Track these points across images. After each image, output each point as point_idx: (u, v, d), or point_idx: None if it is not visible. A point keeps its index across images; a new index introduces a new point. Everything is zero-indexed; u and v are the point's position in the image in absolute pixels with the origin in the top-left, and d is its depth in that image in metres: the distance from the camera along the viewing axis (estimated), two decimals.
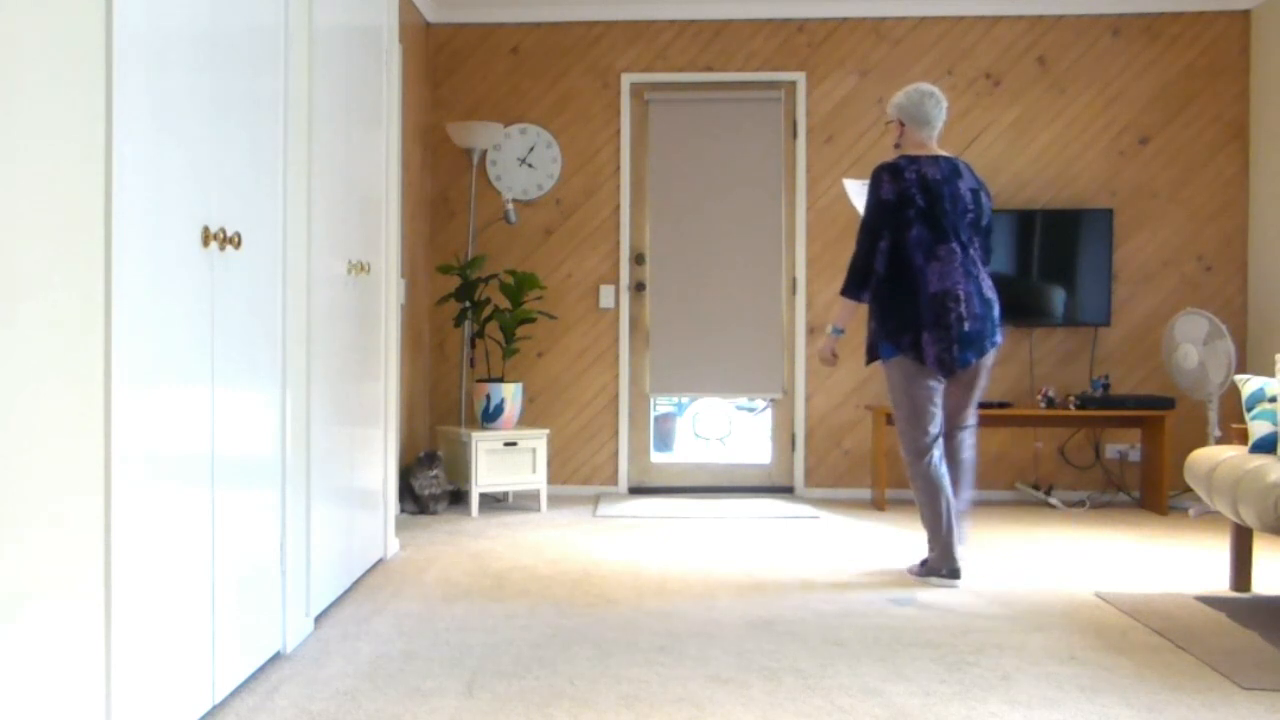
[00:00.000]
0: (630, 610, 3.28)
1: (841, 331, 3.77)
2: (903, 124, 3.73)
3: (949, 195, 3.61)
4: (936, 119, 3.70)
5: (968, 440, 3.80)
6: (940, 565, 3.63)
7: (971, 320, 3.58)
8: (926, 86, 3.72)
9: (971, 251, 3.64)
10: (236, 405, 2.44)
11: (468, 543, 4.33)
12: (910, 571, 3.77)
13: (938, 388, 3.66)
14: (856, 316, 5.51)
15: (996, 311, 3.66)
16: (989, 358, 3.67)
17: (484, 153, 5.69)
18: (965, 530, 3.78)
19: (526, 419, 5.70)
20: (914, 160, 3.65)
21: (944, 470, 3.67)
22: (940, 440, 3.69)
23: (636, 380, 5.72)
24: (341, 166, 3.35)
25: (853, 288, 3.68)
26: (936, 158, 3.67)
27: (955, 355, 3.58)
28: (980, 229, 3.69)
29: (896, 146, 3.78)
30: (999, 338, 3.67)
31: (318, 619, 3.15)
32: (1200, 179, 5.50)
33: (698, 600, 3.41)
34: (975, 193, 3.68)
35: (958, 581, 3.61)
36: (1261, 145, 5.38)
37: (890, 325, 3.65)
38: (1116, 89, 5.52)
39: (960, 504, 3.73)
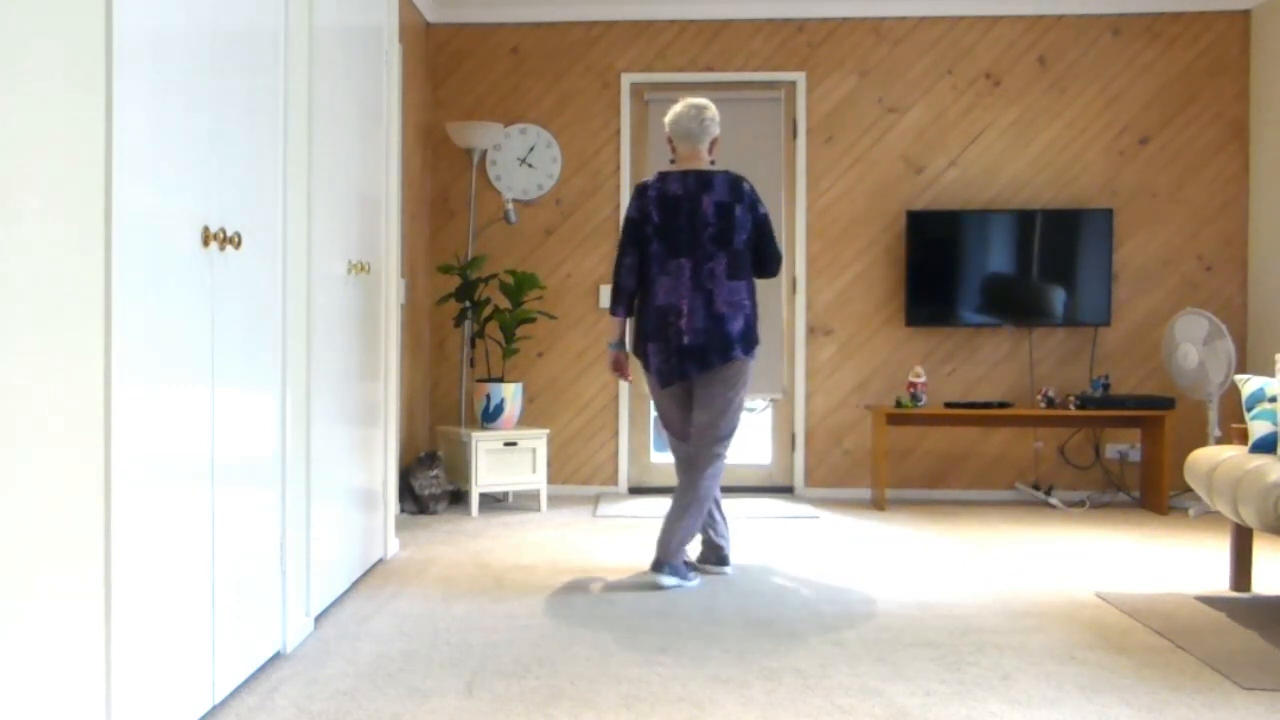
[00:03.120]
0: (630, 610, 3.28)
1: (618, 345, 3.85)
2: (671, 140, 3.77)
3: (687, 211, 3.62)
4: (697, 133, 3.68)
5: (707, 480, 3.65)
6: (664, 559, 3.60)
7: (693, 334, 3.58)
8: (694, 100, 3.73)
9: (710, 266, 3.60)
10: (236, 405, 2.44)
11: (468, 543, 4.33)
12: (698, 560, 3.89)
13: (676, 398, 3.74)
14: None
15: (733, 327, 3.58)
16: (725, 372, 3.60)
17: (484, 153, 5.69)
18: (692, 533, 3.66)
19: (526, 419, 5.70)
20: (663, 177, 3.69)
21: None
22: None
23: (636, 380, 5.71)
24: (341, 166, 3.35)
25: (612, 303, 3.78)
26: (687, 173, 3.67)
27: (674, 366, 3.61)
28: (729, 243, 3.61)
29: (671, 161, 3.78)
30: (737, 353, 3.57)
31: (318, 619, 3.15)
32: (1200, 179, 5.51)
33: (698, 600, 3.41)
34: (725, 207, 3.61)
35: (685, 581, 3.61)
36: (1261, 145, 5.38)
37: (635, 335, 3.78)
38: (1116, 89, 5.52)
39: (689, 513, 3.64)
